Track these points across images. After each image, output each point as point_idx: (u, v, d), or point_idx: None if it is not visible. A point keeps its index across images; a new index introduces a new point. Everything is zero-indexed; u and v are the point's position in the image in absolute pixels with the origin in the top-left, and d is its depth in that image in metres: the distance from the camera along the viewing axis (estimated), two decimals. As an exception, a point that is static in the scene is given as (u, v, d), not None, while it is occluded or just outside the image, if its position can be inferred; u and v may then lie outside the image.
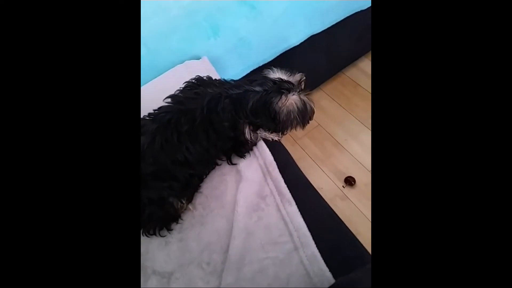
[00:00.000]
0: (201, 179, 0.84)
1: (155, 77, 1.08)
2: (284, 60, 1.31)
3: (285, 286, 0.64)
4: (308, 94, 0.80)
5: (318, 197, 0.79)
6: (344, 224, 0.74)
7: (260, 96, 0.75)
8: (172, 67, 1.09)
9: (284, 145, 0.94)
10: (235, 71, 1.24)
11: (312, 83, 1.65)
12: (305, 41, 1.32)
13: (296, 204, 0.74)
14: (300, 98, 0.76)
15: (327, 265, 0.65)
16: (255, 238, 0.71)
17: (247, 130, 0.80)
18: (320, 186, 1.39)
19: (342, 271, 0.63)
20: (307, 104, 0.78)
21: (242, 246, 0.70)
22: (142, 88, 1.05)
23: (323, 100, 1.66)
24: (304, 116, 0.78)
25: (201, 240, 0.75)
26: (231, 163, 0.86)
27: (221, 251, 0.72)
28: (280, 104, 0.75)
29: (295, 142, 1.55)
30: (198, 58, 1.12)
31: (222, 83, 0.84)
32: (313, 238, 0.69)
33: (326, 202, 0.78)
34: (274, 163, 0.82)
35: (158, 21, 1.03)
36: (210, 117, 0.75)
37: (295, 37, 1.30)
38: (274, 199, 0.77)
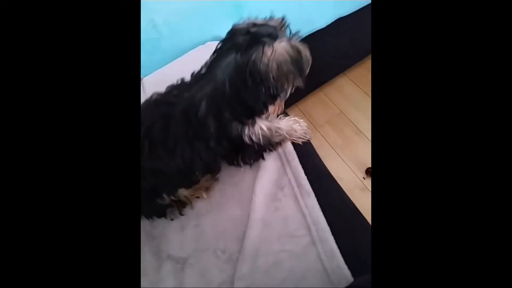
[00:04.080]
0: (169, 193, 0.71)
1: (176, 58, 1.05)
2: (308, 42, 1.24)
3: (300, 281, 0.63)
4: (297, 39, 0.63)
5: (340, 190, 0.76)
6: (366, 220, 0.71)
7: (235, 65, 0.58)
8: (194, 48, 1.06)
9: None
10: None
11: (337, 69, 1.58)
12: (331, 23, 1.25)
13: (316, 196, 0.71)
14: (290, 44, 0.59)
15: (346, 262, 0.62)
16: (272, 229, 0.69)
17: (245, 131, 0.66)
18: (340, 176, 1.35)
19: (361, 269, 0.61)
20: (302, 52, 0.60)
21: (258, 236, 0.68)
22: (162, 70, 1.03)
23: (347, 86, 1.60)
24: (301, 66, 0.61)
25: (217, 227, 0.74)
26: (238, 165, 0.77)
27: (237, 239, 0.70)
28: (265, 59, 0.57)
29: (316, 129, 1.51)
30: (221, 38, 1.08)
31: (198, 77, 0.67)
32: (332, 233, 0.66)
33: (347, 196, 0.75)
34: (294, 153, 0.79)
35: (181, 0, 0.99)
36: (190, 129, 0.63)
37: (322, 19, 1.23)
38: (293, 190, 0.74)
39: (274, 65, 0.58)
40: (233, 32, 0.64)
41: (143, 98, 0.91)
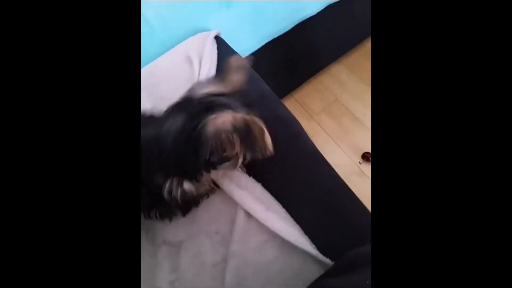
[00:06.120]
0: None
1: (165, 52, 1.06)
2: (301, 30, 1.26)
3: (292, 258, 0.64)
4: (253, 114, 0.58)
5: (329, 169, 0.77)
6: (361, 203, 0.71)
7: (180, 126, 0.56)
8: (183, 41, 1.07)
9: (299, 121, 0.89)
10: (250, 43, 1.20)
11: (331, 56, 1.59)
12: (323, 10, 1.25)
13: (304, 176, 0.73)
14: (240, 116, 0.55)
15: (342, 246, 0.63)
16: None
17: (167, 186, 0.62)
18: (336, 163, 1.35)
19: (355, 243, 0.61)
20: (252, 124, 0.55)
21: (247, 217, 0.70)
22: (155, 62, 1.04)
23: (342, 74, 1.60)
24: (249, 140, 0.56)
25: (210, 210, 0.75)
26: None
27: (230, 221, 0.72)
28: (209, 127, 0.54)
29: (311, 117, 1.52)
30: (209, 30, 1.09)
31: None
32: (322, 211, 0.67)
33: (337, 174, 0.76)
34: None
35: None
36: None
37: (313, 6, 1.23)
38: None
39: (212, 132, 0.54)
40: (187, 100, 0.60)
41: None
